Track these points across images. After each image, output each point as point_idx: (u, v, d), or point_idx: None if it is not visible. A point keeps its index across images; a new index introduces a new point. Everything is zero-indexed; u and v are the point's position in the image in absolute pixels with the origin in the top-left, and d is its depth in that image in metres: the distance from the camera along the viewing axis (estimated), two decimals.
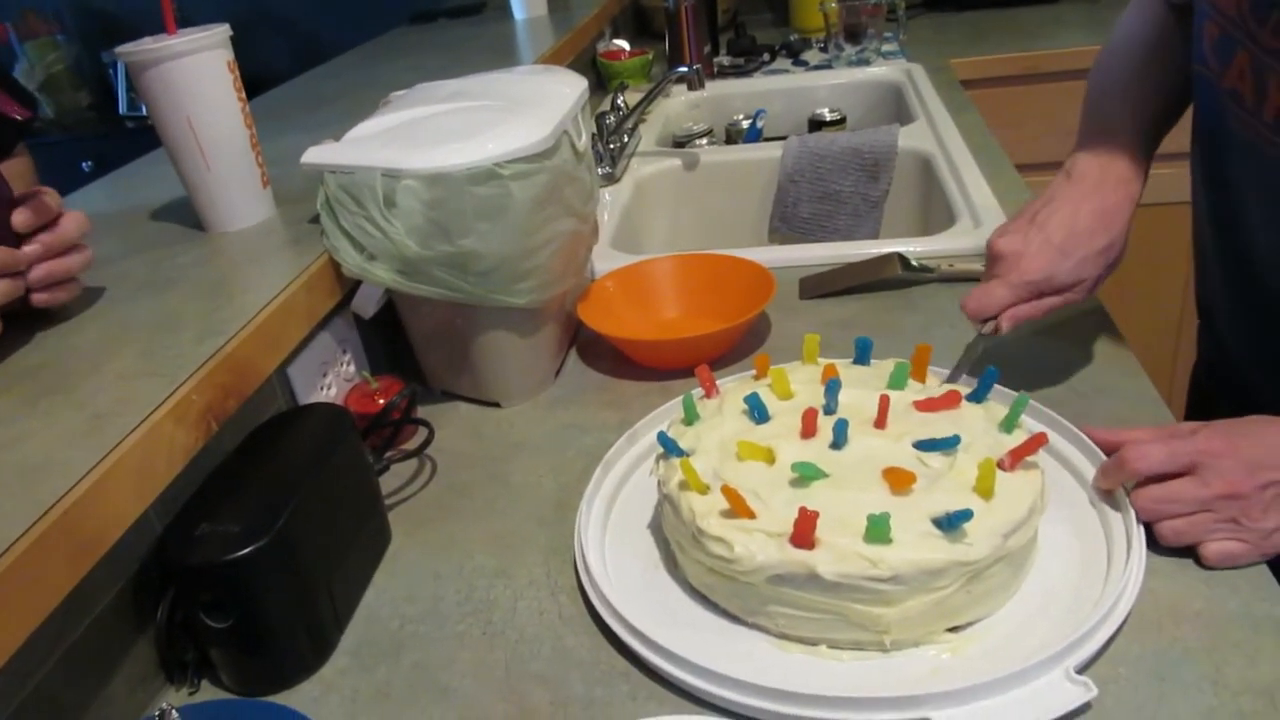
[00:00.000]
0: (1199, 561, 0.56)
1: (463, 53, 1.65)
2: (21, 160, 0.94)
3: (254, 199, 0.85)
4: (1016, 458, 0.56)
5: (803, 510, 0.51)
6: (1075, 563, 0.58)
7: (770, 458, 0.59)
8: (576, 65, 1.69)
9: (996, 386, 0.64)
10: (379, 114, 0.83)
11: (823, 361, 0.68)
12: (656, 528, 0.65)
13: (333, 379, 0.79)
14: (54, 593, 0.47)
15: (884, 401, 0.61)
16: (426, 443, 0.73)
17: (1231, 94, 0.67)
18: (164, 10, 0.78)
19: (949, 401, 0.62)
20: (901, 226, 1.37)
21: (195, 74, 0.78)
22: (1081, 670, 0.50)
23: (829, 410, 0.63)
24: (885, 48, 1.81)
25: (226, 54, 0.80)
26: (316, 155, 0.76)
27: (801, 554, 0.52)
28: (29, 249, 0.65)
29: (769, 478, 0.57)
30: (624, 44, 1.95)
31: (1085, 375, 0.77)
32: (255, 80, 0.99)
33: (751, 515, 0.54)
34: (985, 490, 0.53)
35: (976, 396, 0.63)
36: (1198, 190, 0.80)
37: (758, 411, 0.63)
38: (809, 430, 0.61)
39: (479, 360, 0.81)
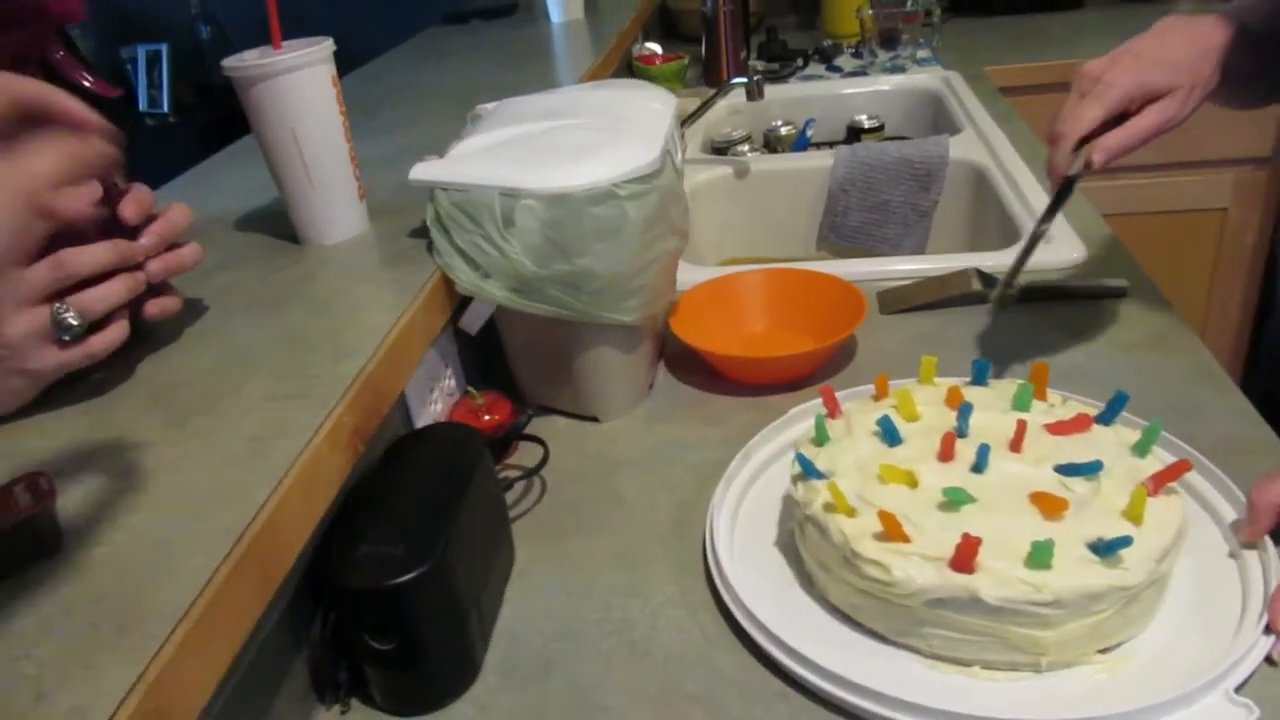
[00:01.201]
0: None
1: (504, 56, 1.65)
2: None
3: (352, 212, 0.85)
4: (1159, 483, 0.57)
5: (966, 536, 0.53)
6: (1206, 581, 0.59)
7: (913, 481, 0.60)
8: (616, 71, 1.70)
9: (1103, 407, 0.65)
10: (478, 129, 0.83)
11: (941, 382, 0.70)
12: (785, 546, 0.66)
13: (439, 395, 0.80)
14: (249, 618, 0.48)
15: (1021, 426, 0.62)
16: (544, 462, 0.74)
17: None
18: (270, 22, 0.79)
19: (1079, 425, 0.63)
20: (948, 238, 1.38)
21: (302, 88, 0.78)
22: (1238, 691, 0.51)
23: (961, 433, 0.64)
24: (920, 54, 1.82)
25: (331, 68, 0.81)
26: (425, 172, 0.77)
27: (963, 578, 0.53)
28: (145, 241, 0.64)
29: (916, 501, 0.58)
30: (656, 48, 1.95)
31: (1181, 393, 0.78)
32: None
33: (907, 539, 0.55)
34: (1136, 516, 0.55)
35: (1105, 419, 0.64)
36: None
37: (889, 434, 0.64)
38: (947, 454, 0.63)
39: (581, 375, 0.82)
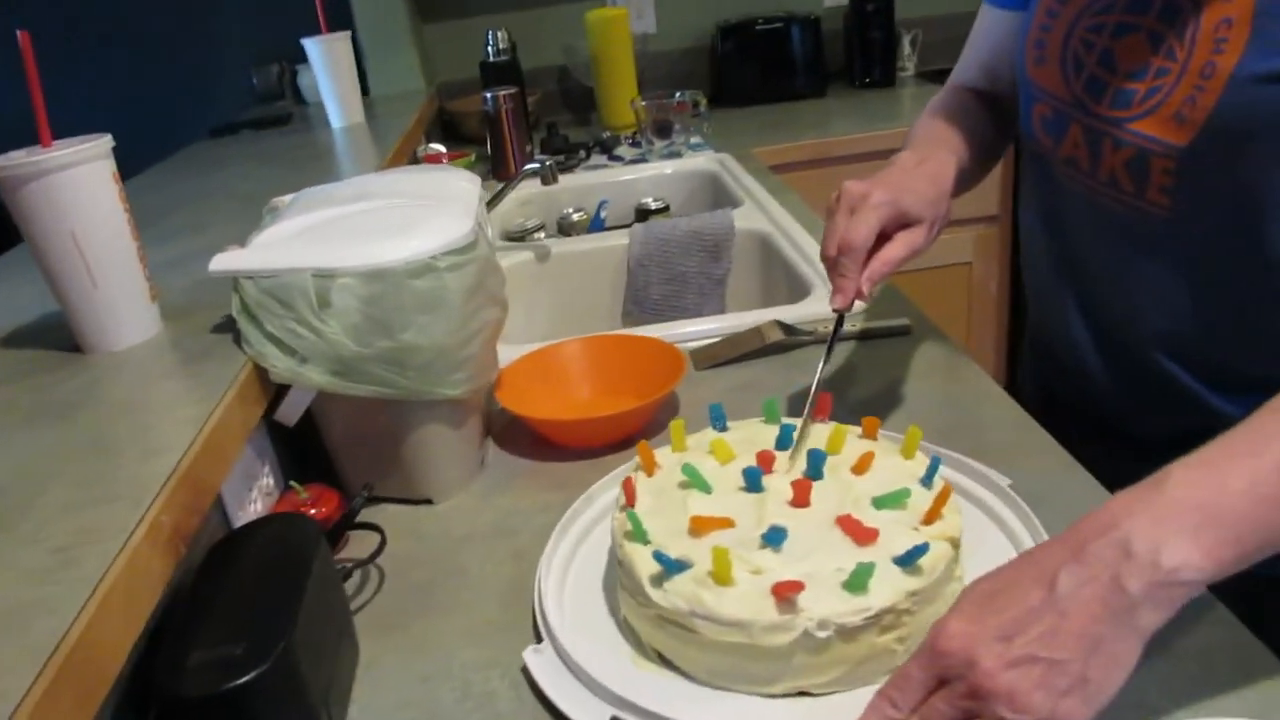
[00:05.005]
0: None
1: (288, 161, 1.62)
2: None
3: (143, 314, 0.80)
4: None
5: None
6: None
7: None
8: None
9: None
10: (280, 218, 0.81)
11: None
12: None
13: (257, 494, 0.75)
14: None
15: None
16: (381, 546, 0.70)
17: (1068, 161, 0.79)
18: (38, 118, 0.74)
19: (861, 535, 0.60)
20: (744, 300, 1.46)
21: (81, 185, 0.73)
22: None
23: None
24: (693, 140, 1.94)
25: (111, 164, 0.76)
26: (227, 262, 0.74)
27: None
28: None
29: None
30: (440, 148, 1.97)
31: (972, 413, 0.86)
32: None
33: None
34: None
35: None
36: (1039, 243, 0.90)
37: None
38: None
39: (410, 457, 0.80)
